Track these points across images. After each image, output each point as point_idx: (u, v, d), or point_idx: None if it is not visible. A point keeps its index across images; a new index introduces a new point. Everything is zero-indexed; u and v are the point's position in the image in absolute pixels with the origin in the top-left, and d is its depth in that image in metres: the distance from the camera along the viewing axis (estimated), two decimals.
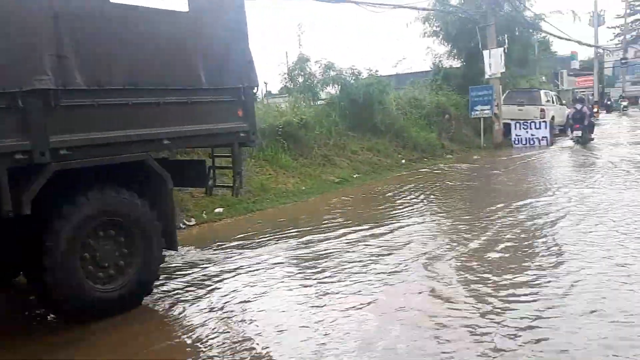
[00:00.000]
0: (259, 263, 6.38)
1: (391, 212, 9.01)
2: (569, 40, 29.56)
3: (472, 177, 13.00)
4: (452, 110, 20.13)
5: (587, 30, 41.13)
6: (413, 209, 9.11)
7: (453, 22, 22.66)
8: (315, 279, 5.68)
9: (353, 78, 16.75)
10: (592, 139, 19.03)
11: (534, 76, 28.92)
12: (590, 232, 6.84)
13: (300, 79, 16.28)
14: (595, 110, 28.43)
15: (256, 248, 7.14)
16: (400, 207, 9.44)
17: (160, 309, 5.10)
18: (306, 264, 6.28)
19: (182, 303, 5.18)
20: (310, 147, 13.71)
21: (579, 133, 18.31)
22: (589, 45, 36.73)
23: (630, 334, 3.96)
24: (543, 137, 19.11)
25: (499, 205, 8.83)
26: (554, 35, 28.01)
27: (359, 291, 5.20)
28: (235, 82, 5.84)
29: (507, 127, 20.02)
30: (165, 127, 5.20)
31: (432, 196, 10.34)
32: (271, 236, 7.73)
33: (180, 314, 4.95)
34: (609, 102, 44.45)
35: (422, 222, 8.12)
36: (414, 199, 10.11)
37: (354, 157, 14.65)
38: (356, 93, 16.02)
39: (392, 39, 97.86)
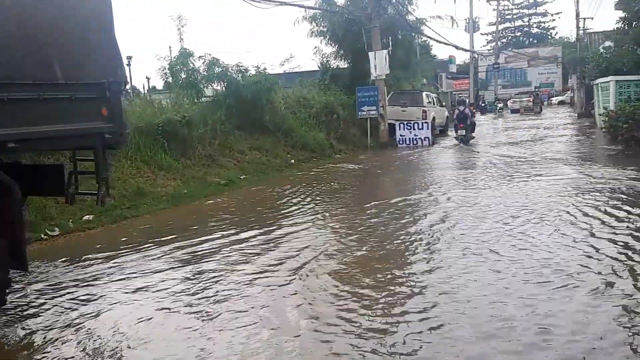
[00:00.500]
0: (122, 280, 5.73)
1: (277, 215, 8.67)
2: (447, 44, 31.19)
3: (358, 177, 13.06)
4: (340, 110, 20.24)
5: (464, 36, 43.84)
6: (298, 212, 8.81)
7: (339, 23, 22.85)
8: (185, 293, 5.18)
9: (240, 75, 16.26)
10: (474, 137, 20.71)
11: (415, 78, 30.01)
12: (467, 233, 6.93)
13: (183, 75, 15.42)
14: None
15: (120, 262, 6.44)
16: (286, 209, 9.11)
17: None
18: (177, 280, 5.73)
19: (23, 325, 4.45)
20: (194, 146, 13.03)
21: (463, 132, 19.66)
22: (465, 50, 39.02)
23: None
24: (425, 137, 19.81)
25: (378, 205, 8.82)
26: (434, 40, 29.43)
27: (240, 304, 4.79)
28: (99, 77, 5.17)
29: (392, 127, 20.52)
30: (10, 128, 4.44)
31: (318, 198, 10.10)
32: (141, 247, 7.06)
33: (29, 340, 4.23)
34: (483, 105, 47.58)
35: (307, 227, 7.81)
36: (301, 201, 9.83)
37: (241, 157, 14.17)
38: (243, 91, 15.55)
39: (280, 38, 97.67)
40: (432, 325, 4.15)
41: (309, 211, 8.88)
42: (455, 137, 20.34)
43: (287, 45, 74.97)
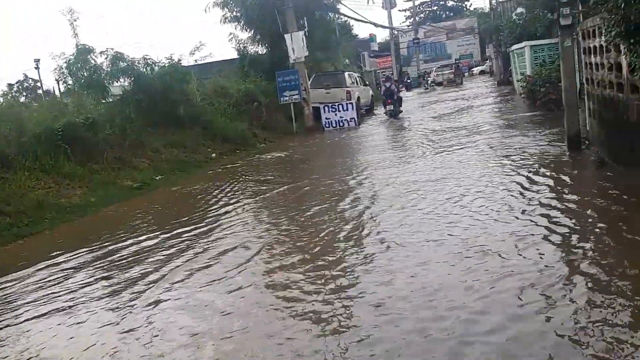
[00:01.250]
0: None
1: (193, 220, 7.93)
2: (366, 22, 31.05)
3: (283, 167, 12.39)
4: (262, 98, 19.48)
5: (382, 13, 43.80)
6: (220, 214, 8.11)
7: (252, 6, 22.03)
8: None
9: (148, 68, 15.20)
10: (402, 111, 21.76)
11: (337, 59, 29.62)
12: (397, 214, 6.50)
13: (85, 74, 14.17)
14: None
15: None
16: (205, 212, 8.38)
17: None
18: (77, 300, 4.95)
19: None
20: (101, 150, 11.97)
21: (391, 107, 21.01)
22: (384, 27, 39.04)
23: None
24: (351, 118, 19.40)
25: (304, 197, 8.27)
26: (352, 18, 29.24)
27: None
28: None
29: (317, 110, 19.98)
30: None
31: (239, 195, 9.40)
32: (35, 269, 6.17)
33: None
34: (408, 81, 47.84)
35: (230, 233, 7.16)
36: (221, 201, 9.09)
37: (156, 155, 13.21)
38: (152, 84, 14.54)
39: (195, 28, 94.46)
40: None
41: (229, 212, 8.18)
42: (385, 112, 21.45)
43: (203, 35, 72.80)
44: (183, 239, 6.73)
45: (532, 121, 13.16)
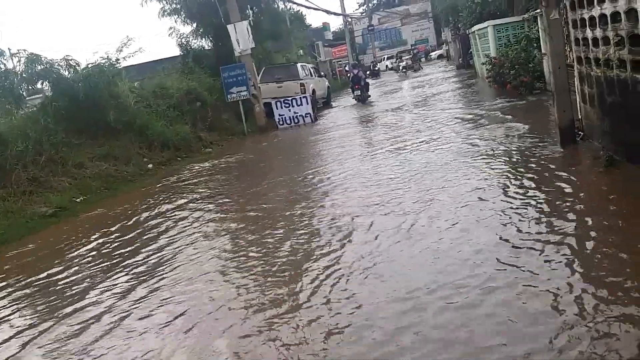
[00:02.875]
0: None
1: (106, 264, 6.21)
2: (318, 9, 29.47)
3: (231, 176, 10.64)
4: (207, 96, 17.65)
5: (335, 1, 42.15)
6: (143, 260, 6.39)
7: None
8: None
9: (71, 70, 13.26)
10: (369, 96, 22.44)
11: (290, 50, 27.93)
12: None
13: None
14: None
15: None
16: (124, 255, 6.66)
17: None
18: None
19: None
20: (10, 169, 10.05)
21: (359, 92, 21.72)
22: (337, 14, 37.52)
23: None
24: (307, 113, 17.79)
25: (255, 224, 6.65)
26: (302, 5, 27.47)
27: None
28: None
29: (269, 107, 18.30)
30: None
31: (177, 224, 7.61)
32: None
33: None
34: (376, 69, 46.33)
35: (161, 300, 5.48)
36: (148, 233, 7.38)
37: (80, 172, 11.30)
38: (75, 88, 12.62)
39: (135, 26, 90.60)
40: None
41: (160, 253, 6.47)
42: (353, 97, 22.25)
43: (146, 33, 69.71)
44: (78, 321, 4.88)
45: (508, 109, 11.76)
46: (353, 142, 11.63)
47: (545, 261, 3.92)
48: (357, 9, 74.47)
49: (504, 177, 6.36)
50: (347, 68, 43.20)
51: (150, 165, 12.73)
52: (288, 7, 46.64)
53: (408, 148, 9.34)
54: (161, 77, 18.85)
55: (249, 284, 4.65)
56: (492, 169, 6.81)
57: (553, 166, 6.41)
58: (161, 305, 4.58)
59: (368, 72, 36.49)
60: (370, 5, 69.90)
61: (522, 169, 6.54)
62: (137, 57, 17.30)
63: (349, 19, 46.32)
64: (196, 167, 12.30)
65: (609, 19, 5.51)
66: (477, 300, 3.57)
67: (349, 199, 6.78)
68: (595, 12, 5.87)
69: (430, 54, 59.09)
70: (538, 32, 14.56)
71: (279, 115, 17.83)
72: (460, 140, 9.07)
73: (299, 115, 17.79)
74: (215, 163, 12.47)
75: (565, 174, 5.98)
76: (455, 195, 5.96)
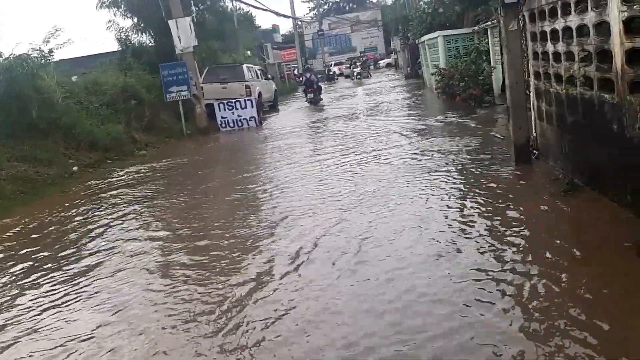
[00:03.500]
0: None
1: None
2: (266, 10, 28.53)
3: (159, 185, 9.75)
4: (145, 94, 16.59)
5: (285, 3, 41.50)
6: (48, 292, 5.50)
7: None
8: None
9: None
10: (321, 99, 23.02)
11: (237, 51, 27.04)
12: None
13: None
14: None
15: None
16: (25, 286, 5.74)
17: None
18: None
19: None
20: None
21: (312, 95, 22.56)
22: (286, 17, 36.89)
23: None
24: (251, 117, 17.00)
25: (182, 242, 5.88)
26: (250, 5, 26.57)
27: None
28: None
29: (212, 108, 17.40)
30: None
31: (93, 241, 6.72)
32: None
33: None
34: (331, 74, 45.87)
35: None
36: (61, 252, 6.46)
37: None
38: None
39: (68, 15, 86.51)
40: None
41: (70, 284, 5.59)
42: (306, 100, 22.95)
43: (86, 25, 66.70)
44: None
45: (458, 122, 11.43)
46: (297, 152, 10.97)
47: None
48: (307, 14, 74.29)
49: (453, 198, 5.86)
50: (296, 72, 42.70)
51: (75, 168, 11.63)
52: (237, 6, 45.82)
53: (354, 161, 8.77)
54: (98, 72, 17.69)
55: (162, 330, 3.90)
56: (440, 188, 6.30)
57: (507, 188, 5.96)
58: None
59: (320, 76, 36.08)
60: (320, 10, 69.76)
61: (473, 190, 6.07)
62: (75, 50, 16.29)
63: (299, 22, 45.74)
64: (125, 171, 11.33)
65: (574, 32, 5.11)
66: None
67: (284, 223, 6.12)
68: (559, 24, 5.46)
69: (379, 62, 59.40)
70: (488, 44, 14.44)
71: (222, 117, 16.98)
72: (409, 154, 8.58)
73: (243, 119, 16.99)
74: (147, 167, 11.52)
75: (521, 197, 5.54)
76: (394, 222, 5.37)
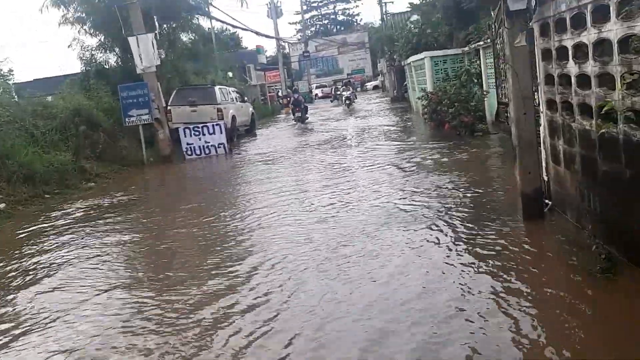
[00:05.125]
0: None
1: None
2: (246, 29, 27.34)
3: (98, 229, 8.05)
4: (101, 118, 14.95)
5: (270, 24, 40.26)
6: None
7: (99, 7, 17.65)
8: None
9: None
10: (307, 118, 24.10)
11: (213, 72, 25.54)
12: None
13: None
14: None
15: None
16: None
17: None
18: None
19: None
20: None
21: (299, 114, 23.64)
22: (269, 37, 35.54)
23: None
24: (219, 144, 15.40)
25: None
26: (228, 24, 25.59)
27: None
28: None
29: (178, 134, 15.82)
30: None
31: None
32: None
33: None
34: (312, 95, 45.19)
35: None
36: None
37: None
38: None
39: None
40: None
41: None
42: (293, 119, 24.27)
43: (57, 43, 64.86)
44: None
45: (449, 156, 9.86)
46: (264, 188, 9.38)
47: None
48: (294, 35, 73.36)
49: (440, 273, 4.29)
50: (279, 93, 41.30)
51: (2, 205, 9.92)
52: (223, 27, 44.55)
53: (327, 204, 7.19)
54: (59, 94, 16.15)
55: None
56: (423, 253, 4.73)
57: (514, 260, 4.38)
58: None
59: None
60: (308, 32, 68.80)
61: (468, 258, 4.50)
62: (44, 70, 14.68)
63: (283, 43, 44.51)
64: (65, 207, 9.67)
65: (615, 46, 3.59)
66: None
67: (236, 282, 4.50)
68: (588, 36, 3.96)
69: (366, 84, 58.39)
70: (480, 66, 13.05)
71: (187, 144, 15.36)
72: (393, 199, 6.98)
73: (211, 145, 15.38)
74: (86, 205, 9.82)
75: (538, 279, 3.97)
76: (364, 302, 3.81)
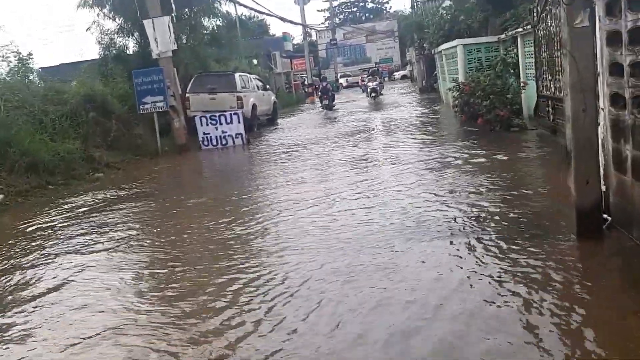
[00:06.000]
0: None
1: None
2: (271, 15, 26.78)
3: (96, 228, 7.38)
4: (115, 104, 14.38)
5: (298, 10, 39.24)
6: None
7: None
8: None
9: None
10: (335, 105, 25.07)
11: (236, 59, 24.78)
12: None
13: None
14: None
15: None
16: None
17: None
18: None
19: None
20: None
21: (327, 101, 24.46)
22: (295, 23, 34.62)
23: None
24: (237, 134, 14.65)
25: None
26: (255, 10, 24.50)
27: None
28: None
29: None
30: None
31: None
32: None
33: None
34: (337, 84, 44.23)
35: None
36: None
37: None
38: None
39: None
40: None
41: None
42: (320, 106, 25.20)
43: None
44: None
45: (485, 154, 8.78)
46: (281, 183, 8.61)
47: None
48: (322, 23, 72.25)
49: (475, 299, 3.44)
50: (306, 82, 40.44)
51: (1, 196, 9.35)
52: (252, 14, 43.77)
53: (346, 209, 6.38)
54: (79, 79, 15.67)
55: None
56: (460, 286, 3.87)
57: (572, 290, 3.50)
58: None
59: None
60: (336, 20, 67.63)
61: (509, 284, 3.64)
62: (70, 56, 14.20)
63: (309, 30, 43.55)
64: (70, 200, 9.07)
65: None
66: None
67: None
68: None
69: (394, 74, 57.19)
70: (517, 56, 12.02)
71: (204, 133, 14.65)
72: (422, 205, 6.08)
73: (228, 135, 14.65)
74: (90, 199, 9.17)
75: (595, 317, 3.10)
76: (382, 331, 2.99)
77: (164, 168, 12.36)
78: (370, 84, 28.34)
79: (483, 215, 5.34)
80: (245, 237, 5.71)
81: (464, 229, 5.00)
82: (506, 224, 5.01)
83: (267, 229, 5.87)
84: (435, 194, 6.42)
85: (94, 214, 7.81)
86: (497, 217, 5.22)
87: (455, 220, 5.26)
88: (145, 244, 6.02)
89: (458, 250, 4.47)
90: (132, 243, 6.03)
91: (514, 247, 4.36)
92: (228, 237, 5.77)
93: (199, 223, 6.57)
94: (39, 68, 26.90)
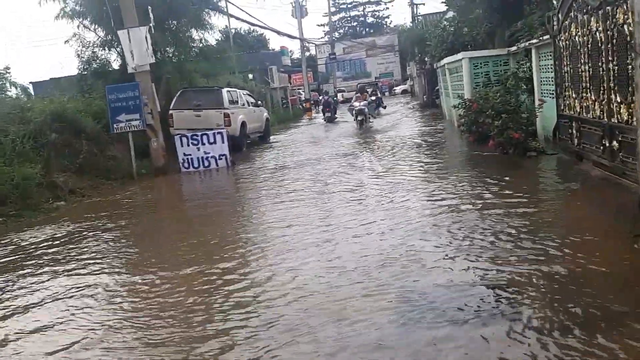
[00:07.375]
0: None
1: None
2: (267, 28, 25.38)
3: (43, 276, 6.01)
4: (88, 123, 13.08)
5: (296, 24, 38.17)
6: None
7: None
8: None
9: None
10: (336, 117, 26.43)
11: (223, 73, 23.45)
12: None
13: None
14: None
15: None
16: None
17: None
18: None
19: None
20: None
21: (329, 114, 26.06)
22: (292, 37, 33.44)
23: None
24: (221, 155, 13.28)
25: None
26: (247, 22, 23.27)
27: None
28: None
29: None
30: None
31: None
32: None
33: None
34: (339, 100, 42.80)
35: None
36: None
37: None
38: None
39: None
40: None
41: None
42: (323, 118, 26.77)
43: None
44: None
45: (499, 199, 7.08)
46: (264, 218, 7.25)
47: None
48: (322, 37, 71.34)
49: None
50: (303, 97, 39.22)
51: None
52: (251, 29, 42.72)
53: (336, 267, 5.02)
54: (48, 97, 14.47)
55: None
56: None
57: None
58: None
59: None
60: (336, 34, 66.69)
61: None
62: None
63: (307, 45, 42.49)
64: (15, 236, 7.73)
65: None
66: None
67: None
68: None
69: (395, 88, 56.09)
70: (531, 70, 10.74)
71: (184, 155, 13.30)
72: (423, 273, 4.66)
73: (211, 157, 13.30)
74: (31, 239, 7.82)
75: None
76: None
77: (132, 195, 10.98)
78: (356, 103, 21.34)
79: (512, 295, 3.95)
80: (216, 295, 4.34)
81: (479, 312, 3.63)
82: (543, 301, 3.63)
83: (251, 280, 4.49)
84: (438, 253, 5.03)
85: (18, 266, 6.41)
86: (529, 296, 3.83)
87: (466, 298, 3.88)
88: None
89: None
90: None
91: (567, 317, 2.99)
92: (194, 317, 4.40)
93: (155, 293, 5.19)
94: (29, 82, 25.74)
